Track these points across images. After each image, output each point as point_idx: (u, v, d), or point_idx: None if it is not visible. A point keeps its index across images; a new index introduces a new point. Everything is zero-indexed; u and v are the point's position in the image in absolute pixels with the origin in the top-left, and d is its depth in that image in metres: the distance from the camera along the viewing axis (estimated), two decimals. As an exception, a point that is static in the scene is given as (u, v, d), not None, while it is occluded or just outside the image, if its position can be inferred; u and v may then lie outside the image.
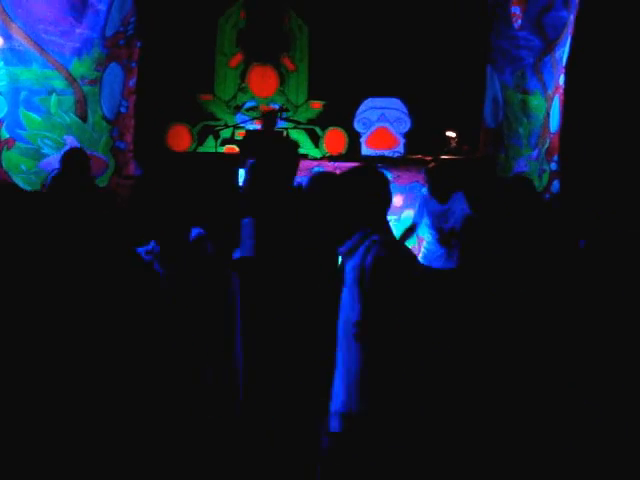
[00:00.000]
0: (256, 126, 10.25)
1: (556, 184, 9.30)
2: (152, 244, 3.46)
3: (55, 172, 6.41)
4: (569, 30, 9.10)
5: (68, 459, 2.88)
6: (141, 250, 3.35)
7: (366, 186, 3.19)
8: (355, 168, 3.44)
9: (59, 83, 7.59)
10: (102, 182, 7.82)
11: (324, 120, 11.31)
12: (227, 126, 10.36)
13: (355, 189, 3.19)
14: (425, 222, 6.81)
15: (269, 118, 8.79)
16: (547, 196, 9.10)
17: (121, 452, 2.93)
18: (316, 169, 7.25)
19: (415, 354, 2.87)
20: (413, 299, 2.91)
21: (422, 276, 3.05)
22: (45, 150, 7.50)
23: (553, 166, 9.36)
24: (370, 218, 3.12)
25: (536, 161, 9.27)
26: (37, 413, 2.87)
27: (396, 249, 3.09)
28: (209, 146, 10.66)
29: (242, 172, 7.57)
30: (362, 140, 11.11)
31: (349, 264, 3.08)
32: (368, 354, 2.92)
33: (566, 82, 9.27)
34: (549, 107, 9.30)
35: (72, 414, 2.88)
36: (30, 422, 2.87)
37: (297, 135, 10.99)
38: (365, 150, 11.02)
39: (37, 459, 2.85)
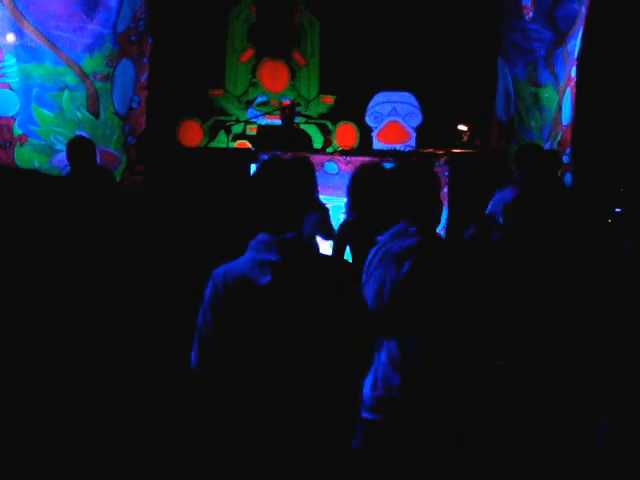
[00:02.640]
0: (267, 121, 10.26)
1: (569, 177, 9.26)
2: None
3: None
4: (581, 22, 9.05)
5: (68, 457, 2.87)
6: None
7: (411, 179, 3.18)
8: (406, 162, 3.69)
9: (71, 79, 7.61)
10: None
11: (335, 114, 11.32)
12: (239, 121, 10.37)
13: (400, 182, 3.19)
14: None
15: (287, 112, 8.80)
16: (559, 189, 9.06)
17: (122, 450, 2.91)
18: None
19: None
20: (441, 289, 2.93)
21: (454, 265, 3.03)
22: (58, 146, 7.52)
23: (565, 159, 9.31)
24: (413, 211, 3.10)
25: (548, 154, 9.23)
26: (38, 409, 2.86)
27: (430, 240, 3.07)
28: (221, 141, 10.66)
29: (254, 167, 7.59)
30: (373, 134, 11.10)
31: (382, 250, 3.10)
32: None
33: (578, 74, 9.22)
34: (561, 100, 9.26)
35: (73, 410, 2.87)
36: (30, 420, 2.85)
37: (308, 130, 11.01)
38: (377, 144, 11.02)
39: (36, 458, 2.83)
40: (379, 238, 3.10)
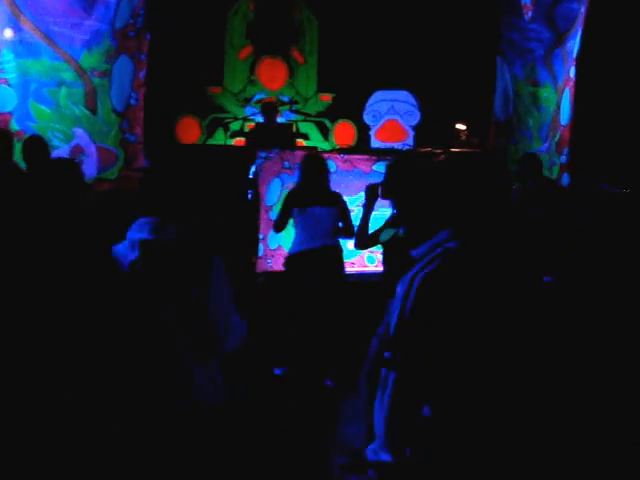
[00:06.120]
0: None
1: (566, 177, 9.26)
2: None
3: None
4: (580, 22, 9.06)
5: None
6: None
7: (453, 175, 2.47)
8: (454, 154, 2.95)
9: (69, 75, 7.59)
10: (111, 174, 7.83)
11: (333, 112, 11.31)
12: (236, 118, 10.36)
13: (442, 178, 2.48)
14: None
15: (268, 109, 8.78)
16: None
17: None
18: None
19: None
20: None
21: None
22: (55, 142, 7.50)
23: (563, 159, 9.32)
24: (455, 216, 2.40)
25: (546, 154, 9.24)
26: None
27: (472, 264, 2.32)
28: (218, 138, 10.66)
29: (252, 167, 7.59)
30: (371, 132, 11.09)
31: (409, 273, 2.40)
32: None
33: (577, 74, 9.23)
34: (559, 99, 9.26)
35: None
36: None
37: (306, 128, 11.00)
38: (374, 142, 11.01)
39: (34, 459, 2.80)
40: (412, 253, 2.45)
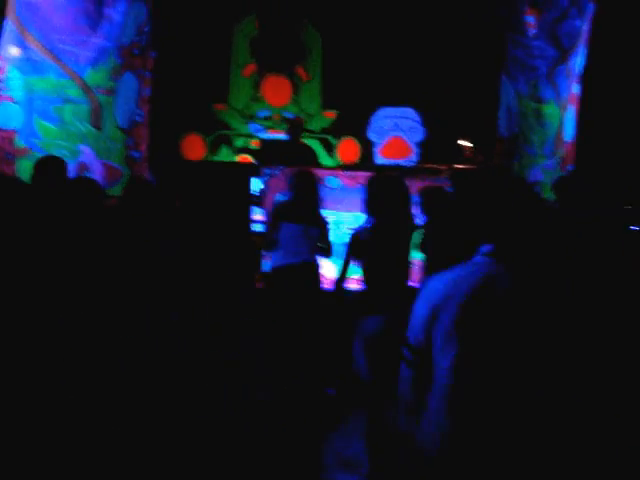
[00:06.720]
0: (270, 135, 10.28)
1: (570, 193, 9.24)
2: None
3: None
4: (583, 39, 9.08)
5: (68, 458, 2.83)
6: None
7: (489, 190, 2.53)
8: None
9: (74, 92, 7.62)
10: (117, 191, 7.83)
11: (338, 129, 11.33)
12: (240, 135, 10.39)
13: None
14: None
15: (296, 128, 8.87)
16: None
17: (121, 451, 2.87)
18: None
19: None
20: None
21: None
22: (60, 159, 7.52)
23: (567, 175, 9.31)
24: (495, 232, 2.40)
25: (551, 170, 9.24)
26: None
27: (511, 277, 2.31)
28: (223, 155, 10.69)
29: (256, 181, 7.61)
30: (376, 149, 11.11)
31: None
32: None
33: (580, 91, 9.24)
34: (563, 116, 9.27)
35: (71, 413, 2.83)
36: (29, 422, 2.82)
37: (311, 144, 11.02)
38: (379, 159, 11.02)
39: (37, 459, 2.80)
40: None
